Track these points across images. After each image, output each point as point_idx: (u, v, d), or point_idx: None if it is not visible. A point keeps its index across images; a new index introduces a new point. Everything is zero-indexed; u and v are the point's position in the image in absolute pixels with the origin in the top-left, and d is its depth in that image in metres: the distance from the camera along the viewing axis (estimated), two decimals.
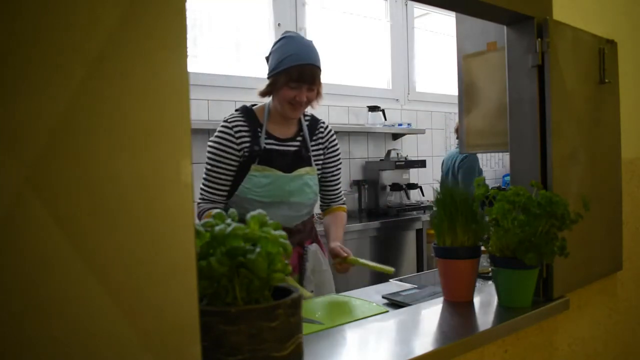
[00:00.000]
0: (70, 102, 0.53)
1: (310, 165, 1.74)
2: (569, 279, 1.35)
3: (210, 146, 1.68)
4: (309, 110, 1.79)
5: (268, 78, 1.68)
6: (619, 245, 1.60)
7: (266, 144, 1.67)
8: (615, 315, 1.72)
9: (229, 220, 0.76)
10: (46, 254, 0.51)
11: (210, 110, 3.09)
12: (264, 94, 1.70)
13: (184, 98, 0.60)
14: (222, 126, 1.68)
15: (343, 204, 1.90)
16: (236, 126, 1.67)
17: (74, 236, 0.53)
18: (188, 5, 0.61)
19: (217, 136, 1.67)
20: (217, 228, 0.74)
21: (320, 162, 1.80)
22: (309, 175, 1.73)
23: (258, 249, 0.72)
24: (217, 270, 0.71)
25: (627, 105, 1.65)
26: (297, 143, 1.74)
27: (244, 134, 1.66)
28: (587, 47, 1.45)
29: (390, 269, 1.52)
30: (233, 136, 1.65)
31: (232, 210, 0.80)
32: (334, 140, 1.85)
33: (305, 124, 1.78)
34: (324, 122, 1.85)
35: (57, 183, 0.52)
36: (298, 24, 3.48)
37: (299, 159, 1.72)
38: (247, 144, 1.65)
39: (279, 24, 3.35)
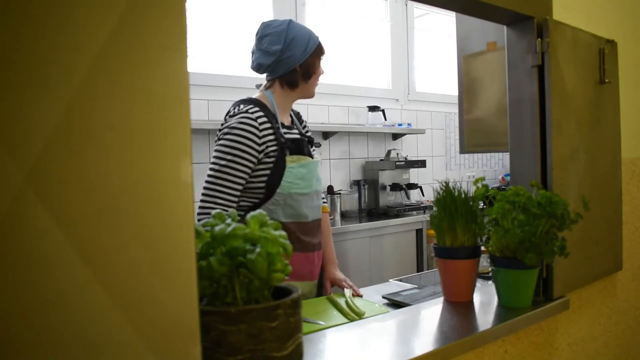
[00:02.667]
0: (70, 102, 0.53)
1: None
2: (569, 279, 1.35)
3: (230, 139, 1.51)
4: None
5: (300, 64, 1.62)
6: (619, 245, 1.60)
7: (284, 133, 1.63)
8: (615, 315, 1.72)
9: (229, 220, 0.76)
10: (46, 254, 0.51)
11: (210, 110, 3.09)
12: (303, 80, 1.66)
13: (184, 98, 0.60)
14: (245, 117, 1.53)
15: (325, 201, 1.85)
16: (260, 117, 1.55)
17: (74, 236, 0.53)
18: (188, 5, 0.61)
19: (239, 128, 1.52)
20: (217, 228, 0.74)
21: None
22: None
23: (258, 249, 0.72)
24: (217, 270, 0.71)
25: (627, 105, 1.65)
26: (297, 130, 1.72)
27: (267, 126, 1.56)
28: (587, 47, 1.45)
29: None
30: (257, 129, 1.53)
31: (232, 211, 0.80)
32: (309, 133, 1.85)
33: (292, 113, 1.77)
34: (300, 113, 1.85)
35: (57, 183, 0.52)
36: None
37: (310, 145, 1.73)
38: (272, 137, 1.56)
39: None
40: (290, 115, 1.75)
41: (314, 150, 1.78)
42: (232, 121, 1.54)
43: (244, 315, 0.70)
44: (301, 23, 1.76)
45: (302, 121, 1.81)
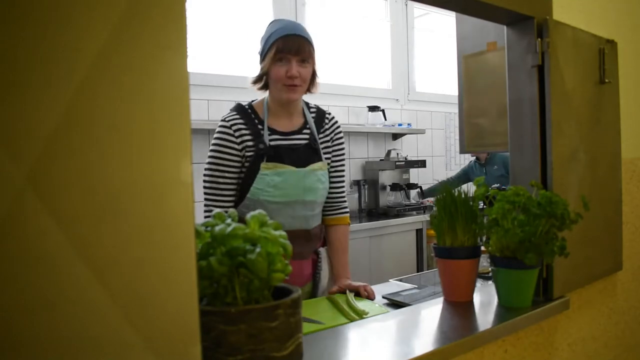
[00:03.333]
0: (70, 102, 0.53)
1: (321, 159, 1.64)
2: (569, 279, 1.35)
3: (212, 150, 1.58)
4: (313, 101, 1.72)
5: (261, 66, 1.61)
6: (619, 245, 1.60)
7: (270, 140, 1.57)
8: (615, 315, 1.72)
9: (229, 220, 0.76)
10: (46, 254, 0.51)
11: (210, 110, 3.09)
12: (256, 81, 1.63)
13: (184, 98, 0.60)
14: (220, 126, 1.58)
15: (347, 211, 1.76)
16: (235, 124, 1.57)
17: (74, 236, 0.53)
18: (188, 5, 0.61)
19: (217, 138, 1.57)
20: (217, 228, 0.74)
21: (329, 156, 1.70)
22: (321, 171, 1.62)
23: (258, 249, 0.72)
24: (217, 270, 0.71)
25: (627, 105, 1.65)
26: (305, 136, 1.63)
27: (243, 132, 1.56)
28: (587, 47, 1.45)
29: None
30: (233, 135, 1.55)
31: (232, 211, 0.80)
32: (340, 133, 1.74)
33: (311, 115, 1.68)
34: (330, 114, 1.75)
35: (57, 183, 0.52)
36: None
37: (311, 153, 1.62)
38: (250, 143, 1.56)
39: None
40: (305, 118, 1.67)
41: (332, 159, 1.69)
42: (215, 132, 1.60)
43: (244, 315, 0.70)
44: (300, 23, 1.73)
45: (324, 124, 1.70)
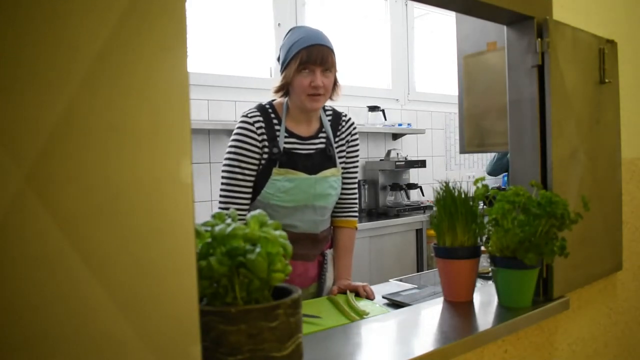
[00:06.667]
0: (70, 101, 0.53)
1: (335, 165, 1.64)
2: (569, 279, 1.35)
3: (231, 145, 1.56)
4: (328, 103, 1.70)
5: (281, 74, 1.59)
6: (619, 245, 1.60)
7: (287, 143, 1.57)
8: (615, 315, 1.72)
9: (229, 220, 0.76)
10: (46, 254, 0.51)
11: (210, 110, 3.09)
12: (278, 90, 1.61)
13: (184, 98, 0.60)
14: (242, 121, 1.57)
15: (355, 215, 1.74)
16: (257, 122, 1.56)
17: (74, 236, 0.53)
18: (188, 5, 0.61)
19: (237, 133, 1.56)
20: (217, 228, 0.74)
21: (343, 159, 1.69)
22: (334, 177, 1.63)
23: (258, 249, 0.72)
24: (217, 270, 0.71)
25: (627, 105, 1.65)
26: (322, 140, 1.64)
27: (263, 130, 1.56)
28: (587, 47, 1.45)
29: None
30: (255, 132, 1.55)
31: (232, 210, 0.80)
32: (355, 135, 1.73)
33: (327, 119, 1.68)
34: (346, 115, 1.75)
35: (57, 183, 0.52)
36: (298, 24, 3.48)
37: (324, 159, 1.62)
38: (267, 143, 1.56)
39: (279, 24, 3.35)
40: (321, 121, 1.67)
41: (346, 161, 1.68)
42: (236, 125, 1.58)
43: (244, 315, 0.70)
44: (301, 23, 1.73)
45: (340, 127, 1.69)
